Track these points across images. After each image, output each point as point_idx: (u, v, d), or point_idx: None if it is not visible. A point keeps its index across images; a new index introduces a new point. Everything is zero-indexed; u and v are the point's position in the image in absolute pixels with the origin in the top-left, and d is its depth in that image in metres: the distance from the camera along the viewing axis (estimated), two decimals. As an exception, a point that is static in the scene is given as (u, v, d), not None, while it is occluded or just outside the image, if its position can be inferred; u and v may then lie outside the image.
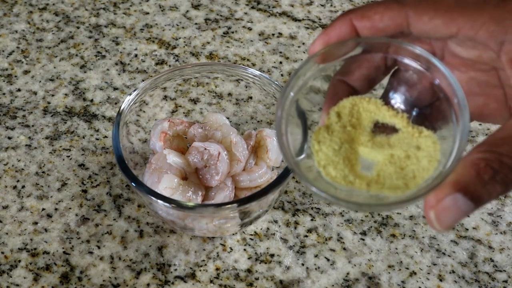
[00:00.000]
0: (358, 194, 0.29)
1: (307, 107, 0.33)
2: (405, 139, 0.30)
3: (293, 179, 0.54)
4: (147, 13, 0.69)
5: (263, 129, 0.51)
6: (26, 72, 0.63)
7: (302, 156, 0.31)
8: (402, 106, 0.32)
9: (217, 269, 0.49)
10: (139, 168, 0.51)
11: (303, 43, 0.66)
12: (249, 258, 0.49)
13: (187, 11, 0.70)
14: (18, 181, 0.54)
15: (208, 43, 0.66)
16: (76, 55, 0.64)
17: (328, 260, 0.49)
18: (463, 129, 0.27)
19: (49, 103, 0.60)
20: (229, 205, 0.44)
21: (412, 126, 0.30)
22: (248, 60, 0.65)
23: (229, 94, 0.59)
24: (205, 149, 0.48)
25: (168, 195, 0.45)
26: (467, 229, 0.52)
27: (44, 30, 0.67)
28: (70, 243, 0.50)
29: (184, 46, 0.66)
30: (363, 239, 0.51)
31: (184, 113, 0.58)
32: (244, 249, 0.50)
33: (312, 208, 0.52)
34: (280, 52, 0.65)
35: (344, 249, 0.50)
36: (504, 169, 0.26)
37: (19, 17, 0.68)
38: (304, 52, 0.65)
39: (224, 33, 0.67)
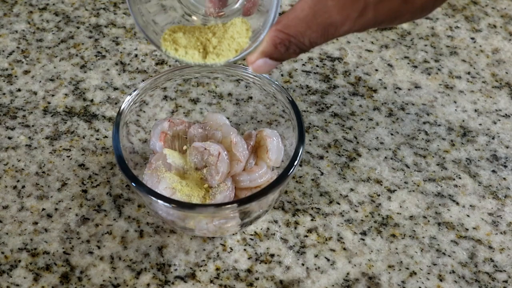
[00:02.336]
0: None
1: None
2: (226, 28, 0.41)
3: (293, 179, 0.54)
4: (147, 13, 0.69)
5: (263, 129, 0.51)
6: (26, 72, 0.63)
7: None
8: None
9: (217, 269, 0.49)
10: (139, 168, 0.51)
11: (303, 43, 0.66)
12: (249, 258, 0.49)
13: (187, 11, 0.70)
14: (18, 181, 0.54)
15: (208, 43, 0.66)
16: (76, 55, 0.64)
17: (328, 260, 0.49)
18: (269, 16, 0.37)
19: (49, 103, 0.60)
20: (229, 205, 0.44)
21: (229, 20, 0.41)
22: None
23: (229, 94, 0.59)
24: (205, 149, 0.48)
25: (168, 195, 0.45)
26: (467, 229, 0.52)
27: (44, 30, 0.67)
28: (70, 243, 0.50)
29: (184, 46, 0.66)
30: (363, 239, 0.51)
31: (184, 113, 0.58)
32: (244, 249, 0.50)
33: (312, 208, 0.52)
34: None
35: (344, 249, 0.50)
36: (292, 45, 0.37)
37: (19, 17, 0.68)
38: (304, 53, 0.65)
39: (224, 33, 0.67)
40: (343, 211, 0.52)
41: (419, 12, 0.36)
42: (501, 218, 0.53)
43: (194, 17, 0.43)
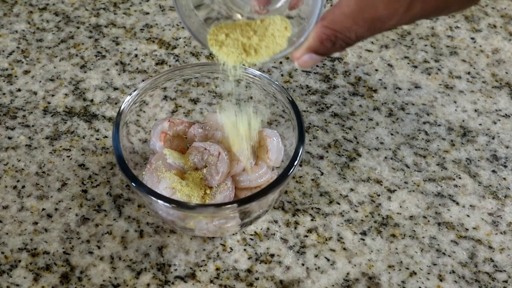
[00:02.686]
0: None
1: None
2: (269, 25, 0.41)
3: (293, 179, 0.54)
4: (147, 13, 0.69)
5: (263, 129, 0.51)
6: (26, 72, 0.63)
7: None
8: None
9: (217, 269, 0.49)
10: (139, 168, 0.51)
11: (303, 43, 0.66)
12: (249, 258, 0.49)
13: (187, 11, 0.70)
14: (18, 181, 0.54)
15: (208, 43, 0.66)
16: (76, 55, 0.64)
17: (328, 260, 0.49)
18: (314, 13, 0.37)
19: (49, 103, 0.60)
20: (229, 205, 0.44)
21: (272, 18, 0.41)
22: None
23: (229, 94, 0.59)
24: (205, 149, 0.48)
25: (168, 195, 0.45)
26: (467, 229, 0.52)
27: (44, 30, 0.67)
28: (70, 243, 0.50)
29: (184, 46, 0.66)
30: (363, 239, 0.51)
31: (184, 113, 0.58)
32: (244, 249, 0.50)
33: (312, 208, 0.52)
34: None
35: (344, 249, 0.50)
36: (338, 40, 0.37)
37: (19, 17, 0.68)
38: (304, 52, 0.66)
39: (224, 33, 0.67)
40: (343, 211, 0.52)
41: (467, 1, 0.35)
42: (501, 218, 0.53)
43: (238, 16, 0.43)
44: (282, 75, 0.63)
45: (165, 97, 0.58)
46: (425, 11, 0.35)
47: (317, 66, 0.64)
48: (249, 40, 0.41)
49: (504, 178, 0.55)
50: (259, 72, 0.52)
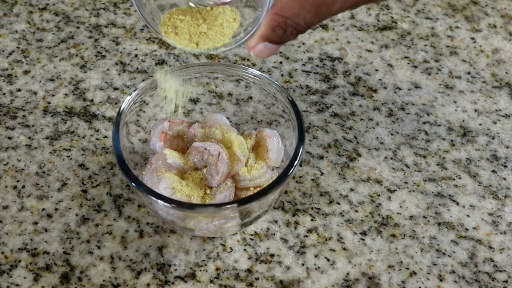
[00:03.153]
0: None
1: None
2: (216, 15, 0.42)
3: (293, 179, 0.54)
4: (147, 13, 0.69)
5: (263, 129, 0.51)
6: (26, 72, 0.63)
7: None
8: None
9: (217, 269, 0.49)
10: (139, 168, 0.51)
11: (303, 43, 0.66)
12: (249, 258, 0.49)
13: (187, 11, 0.70)
14: (18, 181, 0.54)
15: (208, 43, 0.66)
16: (76, 55, 0.64)
17: (328, 260, 0.49)
18: (266, 1, 0.38)
19: (49, 103, 0.60)
20: (229, 205, 0.44)
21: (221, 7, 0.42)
22: (248, 60, 0.65)
23: (229, 94, 0.59)
24: (205, 149, 0.48)
25: (168, 195, 0.45)
26: (467, 229, 0.52)
27: (44, 30, 0.67)
28: (70, 243, 0.50)
29: (184, 46, 0.66)
30: (363, 239, 0.51)
31: (184, 113, 0.58)
32: (244, 249, 0.50)
33: (312, 208, 0.52)
34: (280, 52, 0.65)
35: (344, 249, 0.50)
36: (288, 27, 0.38)
37: (19, 17, 0.68)
38: (304, 52, 0.66)
39: (224, 33, 0.67)
40: (343, 211, 0.52)
41: None
42: (501, 218, 0.53)
43: (191, 4, 0.44)
44: (282, 75, 0.63)
45: (165, 97, 0.58)
46: None
47: (317, 66, 0.64)
48: (197, 28, 0.41)
49: (504, 178, 0.55)
50: (259, 72, 0.52)
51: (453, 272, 0.49)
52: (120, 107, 0.49)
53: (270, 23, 0.38)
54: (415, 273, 0.49)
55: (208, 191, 0.47)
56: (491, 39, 0.68)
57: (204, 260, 0.49)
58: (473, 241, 0.51)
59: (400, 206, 0.53)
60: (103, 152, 0.56)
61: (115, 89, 0.61)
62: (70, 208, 0.52)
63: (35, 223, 0.51)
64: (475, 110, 0.61)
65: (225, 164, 0.47)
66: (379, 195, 0.54)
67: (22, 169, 0.54)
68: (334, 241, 0.51)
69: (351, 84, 0.63)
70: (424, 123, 0.59)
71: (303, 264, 0.49)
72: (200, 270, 0.49)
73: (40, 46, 0.65)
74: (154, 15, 0.43)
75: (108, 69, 0.63)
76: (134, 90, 0.50)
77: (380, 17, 0.70)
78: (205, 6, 0.43)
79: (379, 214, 0.52)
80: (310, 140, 0.57)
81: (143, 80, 0.62)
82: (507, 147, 0.58)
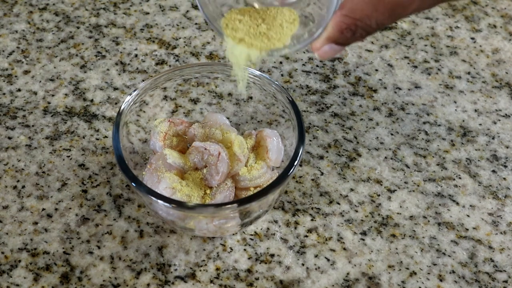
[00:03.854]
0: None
1: None
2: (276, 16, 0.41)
3: (293, 179, 0.54)
4: (147, 13, 0.69)
5: (263, 129, 0.51)
6: (26, 72, 0.63)
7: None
8: None
9: (217, 269, 0.49)
10: (139, 168, 0.51)
11: (303, 43, 0.66)
12: (249, 258, 0.49)
13: (187, 11, 0.70)
14: (18, 181, 0.54)
15: (208, 43, 0.66)
16: (76, 55, 0.64)
17: (328, 260, 0.49)
18: (333, 2, 0.36)
19: (49, 103, 0.60)
20: (229, 205, 0.44)
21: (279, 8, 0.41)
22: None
23: (229, 94, 0.59)
24: (205, 149, 0.48)
25: (168, 195, 0.45)
26: (467, 229, 0.52)
27: (44, 30, 0.67)
28: (70, 243, 0.50)
29: (184, 46, 0.66)
30: (363, 239, 0.51)
31: (184, 113, 0.58)
32: (244, 249, 0.50)
33: (312, 208, 0.52)
34: None
35: (344, 249, 0.50)
36: (358, 29, 0.36)
37: (19, 17, 0.68)
38: (304, 53, 0.66)
39: (224, 33, 0.67)
40: (343, 211, 0.52)
41: None
42: (501, 218, 0.53)
43: (255, 4, 0.42)
44: (282, 75, 0.63)
45: (165, 97, 0.58)
46: None
47: (317, 66, 0.64)
48: (256, 29, 0.40)
49: (504, 178, 0.55)
50: (259, 72, 0.52)
51: (453, 272, 0.49)
52: (120, 107, 0.49)
53: (339, 25, 0.36)
54: (415, 273, 0.49)
55: (208, 191, 0.47)
56: (491, 39, 0.68)
57: (204, 260, 0.49)
58: (473, 241, 0.51)
59: (400, 206, 0.53)
60: (103, 152, 0.56)
61: (115, 89, 0.61)
62: (70, 208, 0.52)
63: (35, 223, 0.51)
64: (475, 110, 0.61)
65: (225, 164, 0.47)
66: (379, 195, 0.54)
67: (22, 169, 0.54)
68: (334, 241, 0.51)
69: (351, 84, 0.63)
70: (424, 123, 0.59)
71: (303, 264, 0.49)
72: (200, 270, 0.49)
73: (40, 46, 0.65)
74: (216, 15, 0.41)
75: (108, 69, 0.63)
76: (134, 90, 0.50)
77: (380, 17, 0.70)
78: (268, 5, 0.42)
79: (379, 214, 0.52)
80: (310, 140, 0.57)
81: (143, 80, 0.62)
82: (507, 147, 0.58)
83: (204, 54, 0.65)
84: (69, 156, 0.55)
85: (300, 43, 0.39)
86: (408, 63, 0.65)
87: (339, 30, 0.36)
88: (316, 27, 0.38)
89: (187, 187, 0.47)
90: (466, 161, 0.57)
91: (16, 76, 0.62)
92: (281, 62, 0.64)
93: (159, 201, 0.43)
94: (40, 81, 0.62)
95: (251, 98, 0.58)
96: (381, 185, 0.54)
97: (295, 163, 0.45)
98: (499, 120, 0.60)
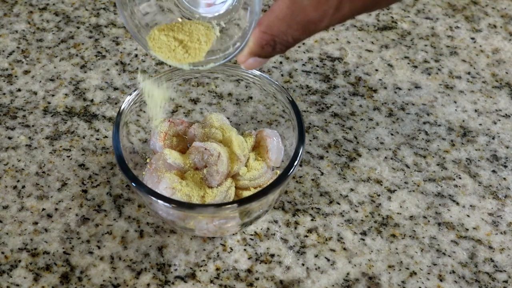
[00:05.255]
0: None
1: None
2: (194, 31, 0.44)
3: (293, 179, 0.54)
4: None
5: (263, 129, 0.51)
6: (26, 72, 0.63)
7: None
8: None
9: (217, 269, 0.49)
10: (139, 168, 0.51)
11: (303, 43, 0.66)
12: (249, 258, 0.49)
13: (187, 11, 0.70)
14: (18, 181, 0.54)
15: (208, 43, 0.66)
16: (76, 55, 0.64)
17: (328, 260, 0.49)
18: (252, 18, 0.39)
19: (49, 103, 0.60)
20: (229, 205, 0.44)
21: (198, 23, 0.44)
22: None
23: (229, 94, 0.59)
24: (205, 149, 0.48)
25: (168, 195, 0.45)
26: (467, 229, 0.52)
27: (44, 30, 0.67)
28: (70, 243, 0.50)
29: (184, 46, 0.66)
30: (363, 239, 0.51)
31: (184, 113, 0.58)
32: (244, 249, 0.50)
33: (312, 208, 0.52)
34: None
35: (344, 249, 0.50)
36: (277, 44, 0.38)
37: (19, 17, 0.68)
38: (304, 53, 0.66)
39: (224, 33, 0.67)
40: (343, 211, 0.52)
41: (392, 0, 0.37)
42: (501, 218, 0.53)
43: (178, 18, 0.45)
44: (282, 75, 0.63)
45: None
46: (354, 10, 0.36)
47: (317, 66, 0.64)
48: (178, 43, 0.43)
49: (504, 178, 0.55)
50: (259, 72, 0.52)
51: (453, 272, 0.49)
52: (120, 107, 0.49)
53: (259, 41, 0.38)
54: (415, 273, 0.49)
55: (208, 191, 0.47)
56: (491, 39, 0.68)
57: (204, 260, 0.49)
58: (473, 241, 0.51)
59: (400, 206, 0.53)
60: (103, 152, 0.56)
61: (115, 89, 0.61)
62: (70, 208, 0.52)
63: (35, 223, 0.51)
64: (475, 110, 0.61)
65: (225, 164, 0.47)
66: (379, 195, 0.54)
67: (22, 169, 0.54)
68: (334, 241, 0.51)
69: (351, 84, 0.63)
70: (424, 123, 0.59)
71: (303, 264, 0.49)
72: (200, 270, 0.49)
73: (40, 46, 0.65)
74: (140, 28, 0.44)
75: (108, 69, 0.63)
76: (134, 90, 0.50)
77: (380, 17, 0.70)
78: (189, 17, 0.44)
79: (379, 214, 0.52)
80: (310, 140, 0.57)
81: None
82: (507, 147, 0.58)
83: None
84: (69, 156, 0.55)
85: (226, 57, 0.42)
86: (408, 63, 0.65)
87: (259, 45, 0.38)
88: (240, 41, 0.41)
89: (187, 187, 0.47)
90: (466, 161, 0.57)
91: (16, 76, 0.62)
92: (281, 62, 0.64)
93: (159, 201, 0.43)
94: (40, 81, 0.62)
95: (251, 98, 0.58)
96: (381, 185, 0.54)
97: (295, 163, 0.45)
98: (499, 120, 0.60)
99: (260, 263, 0.49)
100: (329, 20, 0.36)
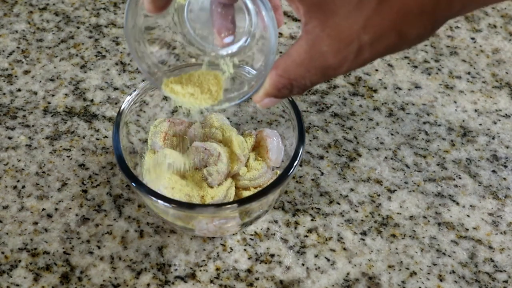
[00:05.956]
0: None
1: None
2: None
3: (293, 179, 0.54)
4: (147, 13, 0.69)
5: (263, 129, 0.51)
6: (26, 72, 0.63)
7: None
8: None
9: (217, 269, 0.49)
10: (139, 168, 0.51)
11: (303, 43, 0.66)
12: (249, 258, 0.49)
13: (187, 11, 0.70)
14: (18, 181, 0.54)
15: (208, 43, 0.66)
16: (76, 55, 0.64)
17: (328, 260, 0.49)
18: (268, 61, 0.38)
19: (49, 103, 0.60)
20: (229, 205, 0.44)
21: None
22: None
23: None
24: (205, 149, 0.48)
25: (168, 195, 0.45)
26: (467, 229, 0.52)
27: (44, 30, 0.67)
28: (70, 243, 0.50)
29: (184, 46, 0.66)
30: (363, 239, 0.51)
31: (184, 113, 0.58)
32: (244, 249, 0.50)
33: (312, 208, 0.52)
34: (281, 52, 0.65)
35: (344, 249, 0.50)
36: (295, 88, 0.37)
37: (19, 17, 0.68)
38: (304, 52, 0.65)
39: (224, 33, 0.67)
40: (343, 211, 0.52)
41: (416, 41, 0.35)
42: (501, 218, 0.53)
43: (205, 57, 0.45)
44: (282, 75, 0.63)
45: (165, 97, 0.58)
46: (374, 56, 0.35)
47: (317, 66, 0.64)
48: (192, 95, 0.44)
49: (504, 178, 0.55)
50: (259, 72, 0.51)
51: (453, 272, 0.49)
52: (120, 107, 0.49)
53: (275, 84, 0.37)
54: (415, 273, 0.49)
55: (208, 191, 0.47)
56: (491, 39, 0.68)
57: (204, 260, 0.49)
58: (473, 241, 0.51)
59: (400, 206, 0.53)
60: (103, 152, 0.56)
61: (115, 89, 0.61)
62: (70, 208, 0.52)
63: (35, 223, 0.51)
64: (475, 110, 0.61)
65: (225, 164, 0.47)
66: (379, 195, 0.54)
67: (22, 169, 0.54)
68: (334, 241, 0.51)
69: (351, 84, 0.63)
70: (424, 123, 0.59)
71: (303, 264, 0.49)
72: (200, 270, 0.49)
73: (40, 46, 0.65)
74: (152, 68, 0.44)
75: (108, 69, 0.63)
76: (134, 90, 0.50)
77: (380, 17, 0.70)
78: (207, 53, 0.45)
79: (379, 214, 0.52)
80: (310, 140, 0.57)
81: (143, 80, 0.62)
82: (507, 147, 0.58)
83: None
84: (69, 156, 0.55)
85: (240, 97, 0.42)
86: (408, 63, 0.65)
87: (276, 88, 0.38)
88: (256, 81, 0.40)
89: (187, 187, 0.47)
90: (466, 161, 0.57)
91: (16, 76, 0.62)
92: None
93: (159, 201, 0.43)
94: (40, 81, 0.62)
95: (251, 98, 0.58)
96: (381, 185, 0.54)
97: (295, 163, 0.45)
98: (499, 120, 0.60)
99: (260, 263, 0.49)
100: (349, 65, 0.35)
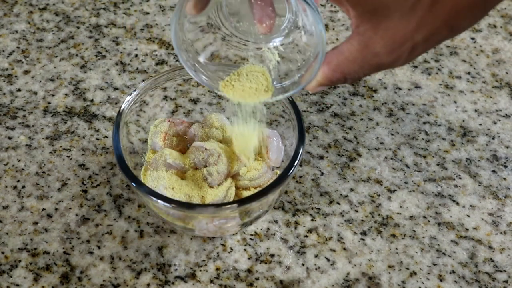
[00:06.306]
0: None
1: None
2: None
3: (293, 179, 0.54)
4: (147, 13, 0.69)
5: (263, 129, 0.51)
6: (26, 72, 0.63)
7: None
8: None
9: (217, 269, 0.49)
10: (139, 168, 0.51)
11: (303, 43, 0.66)
12: (249, 258, 0.49)
13: (187, 11, 0.70)
14: (18, 181, 0.54)
15: (210, 43, 0.66)
16: (76, 55, 0.64)
17: (328, 260, 0.49)
18: (318, 52, 0.38)
19: (49, 103, 0.60)
20: (229, 205, 0.44)
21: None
22: (248, 60, 0.64)
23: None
24: (205, 149, 0.48)
25: (168, 195, 0.45)
26: (467, 229, 0.52)
27: (44, 30, 0.67)
28: (70, 243, 0.50)
29: (184, 46, 0.66)
30: (363, 239, 0.51)
31: (184, 113, 0.58)
32: (244, 249, 0.50)
33: (312, 208, 0.52)
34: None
35: (344, 249, 0.50)
36: (348, 80, 0.39)
37: (19, 17, 0.68)
38: (304, 52, 0.65)
39: (224, 33, 0.67)
40: (343, 211, 0.52)
41: (462, 32, 0.37)
42: (501, 218, 0.53)
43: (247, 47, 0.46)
44: (282, 75, 0.63)
45: (165, 97, 0.58)
46: (427, 49, 0.36)
47: (317, 66, 0.64)
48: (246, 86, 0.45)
49: (504, 178, 0.55)
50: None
51: (453, 272, 0.49)
52: (120, 107, 0.49)
53: (329, 78, 0.39)
54: (415, 273, 0.49)
55: (208, 191, 0.47)
56: (491, 39, 0.68)
57: (204, 260, 0.49)
58: (473, 241, 0.51)
59: (400, 206, 0.53)
60: (103, 152, 0.56)
61: (115, 89, 0.61)
62: (70, 208, 0.52)
63: (35, 223, 0.51)
64: (475, 110, 0.61)
65: (225, 164, 0.47)
66: (379, 195, 0.54)
67: (22, 169, 0.54)
68: (334, 241, 0.51)
69: (351, 84, 0.63)
70: (424, 123, 0.59)
71: (303, 264, 0.49)
72: (200, 270, 0.49)
73: (40, 46, 0.65)
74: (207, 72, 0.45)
75: (108, 69, 0.63)
76: (134, 90, 0.50)
77: (380, 17, 0.70)
78: (253, 45, 0.45)
79: (379, 214, 0.52)
80: (310, 140, 0.57)
81: (143, 80, 0.62)
82: (507, 147, 0.58)
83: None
84: (69, 156, 0.55)
85: (293, 89, 0.42)
86: (408, 63, 0.65)
87: (329, 80, 0.39)
88: (304, 68, 0.41)
89: (187, 187, 0.47)
90: (466, 161, 0.57)
91: (16, 76, 0.62)
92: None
93: (159, 201, 0.43)
94: (40, 81, 0.62)
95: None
96: (381, 185, 0.54)
97: (295, 163, 0.45)
98: (499, 120, 0.60)
99: (260, 263, 0.49)
100: (403, 62, 0.37)
